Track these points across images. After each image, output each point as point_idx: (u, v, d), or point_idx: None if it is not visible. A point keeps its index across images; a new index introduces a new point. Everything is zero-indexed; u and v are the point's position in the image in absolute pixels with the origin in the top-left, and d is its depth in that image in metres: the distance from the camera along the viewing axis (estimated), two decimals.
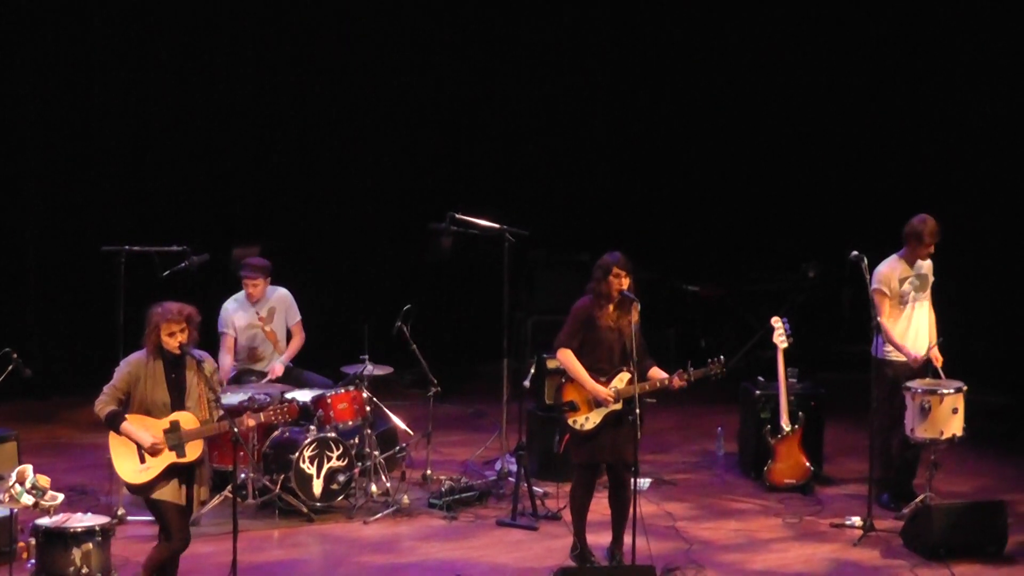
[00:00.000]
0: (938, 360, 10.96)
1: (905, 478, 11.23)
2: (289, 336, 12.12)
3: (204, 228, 14.49)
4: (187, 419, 8.70)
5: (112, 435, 8.71)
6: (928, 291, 11.13)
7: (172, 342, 8.63)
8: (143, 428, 8.63)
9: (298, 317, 12.12)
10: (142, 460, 8.65)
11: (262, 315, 12.00)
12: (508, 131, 16.62)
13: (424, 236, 12.68)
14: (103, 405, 8.68)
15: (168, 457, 8.65)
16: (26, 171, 14.82)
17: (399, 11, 15.95)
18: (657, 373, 9.68)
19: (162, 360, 8.70)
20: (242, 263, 12.07)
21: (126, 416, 8.63)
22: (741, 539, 10.70)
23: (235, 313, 11.98)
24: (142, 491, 8.71)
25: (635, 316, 9.63)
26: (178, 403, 8.70)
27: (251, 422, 9.08)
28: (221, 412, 8.82)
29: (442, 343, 14.60)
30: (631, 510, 9.50)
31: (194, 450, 8.72)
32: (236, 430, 8.75)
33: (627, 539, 9.57)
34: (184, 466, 8.69)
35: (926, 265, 11.10)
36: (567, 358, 9.66)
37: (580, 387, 9.62)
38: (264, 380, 11.78)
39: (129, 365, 8.71)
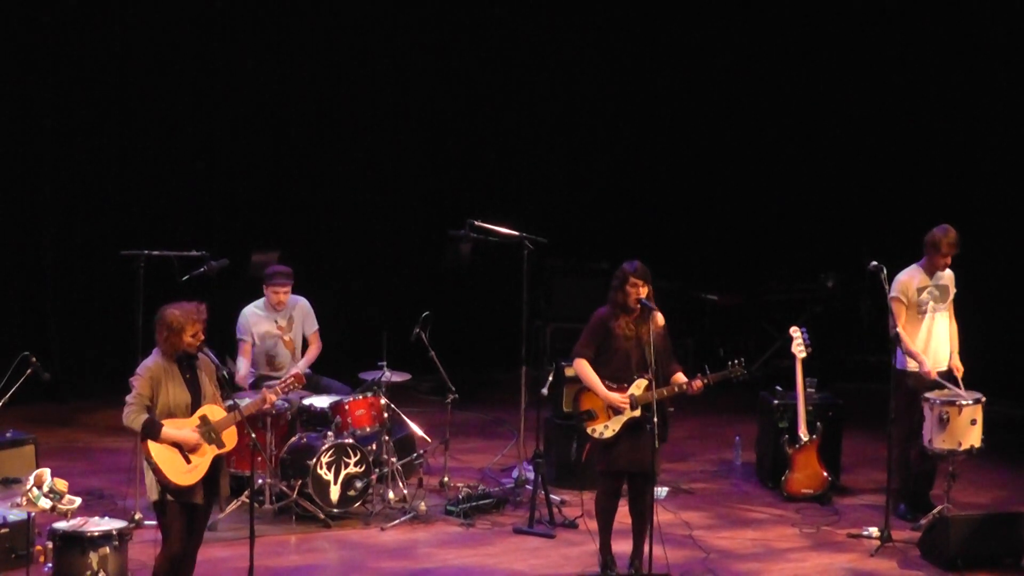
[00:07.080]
0: (959, 370, 10.95)
1: (923, 489, 11.20)
2: (306, 344, 12.10)
3: (223, 233, 14.53)
4: (213, 411, 8.73)
5: (151, 444, 8.58)
6: (948, 302, 11.11)
7: (194, 342, 8.66)
8: (180, 428, 8.64)
9: (316, 326, 12.09)
10: (187, 460, 8.64)
11: (281, 324, 11.97)
12: (528, 139, 16.63)
13: (443, 243, 12.68)
14: (135, 416, 8.56)
15: (210, 451, 8.67)
16: (45, 175, 14.84)
17: (420, 18, 15.97)
18: (679, 378, 9.66)
19: (176, 362, 8.71)
20: (270, 271, 12.01)
21: (162, 422, 8.62)
22: (758, 548, 10.68)
23: (255, 321, 11.93)
24: (187, 494, 8.64)
25: (658, 323, 9.60)
26: (196, 402, 8.72)
27: (272, 397, 9.19)
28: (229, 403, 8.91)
29: (460, 350, 14.59)
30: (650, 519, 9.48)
31: (231, 438, 8.76)
32: (263, 408, 9.21)
33: (645, 548, 9.54)
34: (216, 464, 8.71)
35: (946, 276, 11.07)
36: (581, 367, 9.68)
37: (597, 396, 9.62)
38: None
39: (149, 371, 8.65)
